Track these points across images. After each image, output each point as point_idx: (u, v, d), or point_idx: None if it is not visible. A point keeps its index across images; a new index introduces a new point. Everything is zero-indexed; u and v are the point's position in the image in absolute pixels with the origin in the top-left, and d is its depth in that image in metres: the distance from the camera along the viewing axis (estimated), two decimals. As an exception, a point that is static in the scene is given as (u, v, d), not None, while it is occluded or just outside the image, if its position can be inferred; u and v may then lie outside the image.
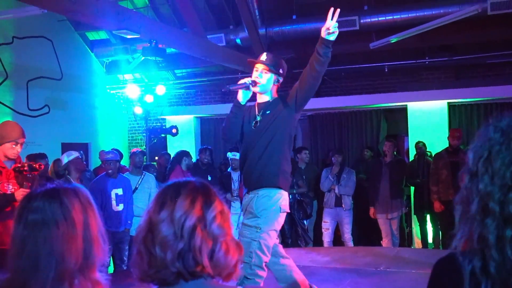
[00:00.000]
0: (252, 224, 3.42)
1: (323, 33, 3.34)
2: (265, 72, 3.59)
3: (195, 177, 1.47)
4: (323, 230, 7.66)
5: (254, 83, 3.55)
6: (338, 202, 7.48)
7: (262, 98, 3.67)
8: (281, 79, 3.67)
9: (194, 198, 1.37)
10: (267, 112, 3.57)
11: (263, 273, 3.41)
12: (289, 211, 3.61)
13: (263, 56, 3.64)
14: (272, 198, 3.46)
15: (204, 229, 1.33)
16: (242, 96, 3.57)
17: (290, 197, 7.53)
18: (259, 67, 3.61)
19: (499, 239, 0.99)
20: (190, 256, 1.30)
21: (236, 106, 3.60)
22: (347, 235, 7.56)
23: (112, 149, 7.27)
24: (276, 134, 3.52)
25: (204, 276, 1.34)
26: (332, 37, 3.35)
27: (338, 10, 3.32)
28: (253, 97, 3.73)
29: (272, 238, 3.45)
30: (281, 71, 3.64)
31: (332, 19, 3.31)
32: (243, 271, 3.34)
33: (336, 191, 7.48)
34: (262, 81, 3.59)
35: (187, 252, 1.30)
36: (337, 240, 7.79)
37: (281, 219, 3.50)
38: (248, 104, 3.69)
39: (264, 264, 3.39)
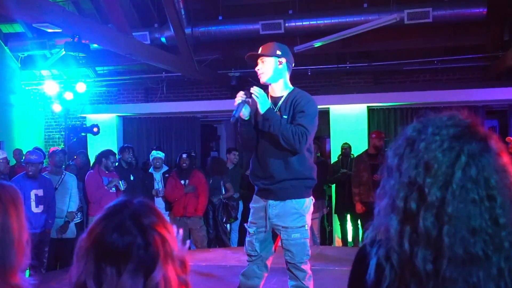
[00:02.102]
0: (301, 224, 3.41)
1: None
2: (263, 61, 3.42)
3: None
4: None
5: (249, 94, 3.30)
6: None
7: (275, 92, 3.48)
8: (283, 60, 3.43)
9: (136, 276, 1.17)
10: (284, 117, 3.38)
11: None
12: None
13: (259, 50, 3.47)
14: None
15: None
16: (244, 113, 3.36)
17: (216, 201, 7.57)
18: (258, 61, 3.45)
19: (400, 232, 1.06)
20: None
21: (243, 125, 3.42)
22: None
23: (34, 148, 6.94)
24: None
25: None
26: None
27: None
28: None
29: None
30: (278, 52, 3.42)
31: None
32: (304, 272, 3.39)
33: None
34: (264, 70, 3.41)
35: None
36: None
37: None
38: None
39: None
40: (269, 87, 3.51)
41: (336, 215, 8.56)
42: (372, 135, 7.35)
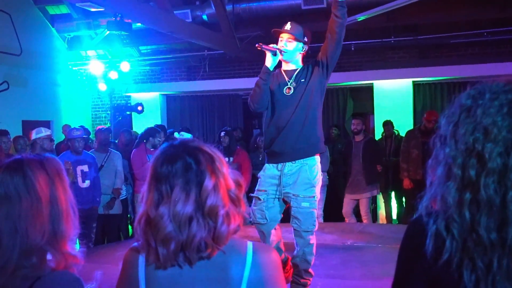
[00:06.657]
0: (311, 194, 3.59)
1: None
2: (290, 41, 3.68)
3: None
4: None
5: (280, 51, 3.64)
6: None
7: (289, 66, 3.76)
8: (306, 47, 3.75)
9: (189, 189, 1.32)
10: (302, 80, 3.65)
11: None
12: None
13: (287, 26, 3.70)
14: (317, 166, 3.68)
15: (201, 216, 1.31)
16: (270, 62, 3.65)
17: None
18: (284, 36, 3.69)
19: (459, 201, 1.04)
20: (191, 245, 1.30)
21: (265, 73, 3.68)
22: (319, 211, 7.64)
23: (79, 126, 7.11)
24: (313, 102, 3.62)
25: (207, 256, 1.34)
26: None
27: None
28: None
29: None
30: (305, 39, 3.73)
31: None
32: (306, 240, 3.59)
33: (312, 167, 7.48)
34: (289, 49, 3.67)
35: (188, 242, 1.30)
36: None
37: None
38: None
39: None
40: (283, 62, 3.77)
41: (380, 192, 8.44)
42: (424, 115, 7.11)
